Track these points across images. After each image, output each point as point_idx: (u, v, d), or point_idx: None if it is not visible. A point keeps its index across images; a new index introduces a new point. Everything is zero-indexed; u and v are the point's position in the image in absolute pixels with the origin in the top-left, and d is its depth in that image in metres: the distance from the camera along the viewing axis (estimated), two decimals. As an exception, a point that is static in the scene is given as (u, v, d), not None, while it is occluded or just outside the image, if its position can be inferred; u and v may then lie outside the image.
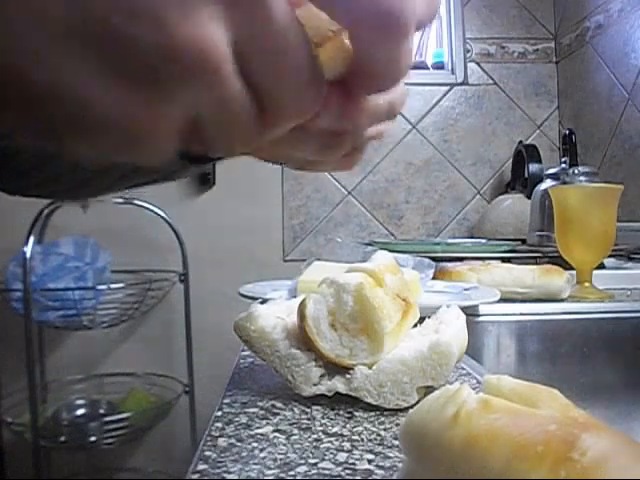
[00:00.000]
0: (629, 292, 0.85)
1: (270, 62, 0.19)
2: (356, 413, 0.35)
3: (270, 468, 0.27)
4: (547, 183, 1.35)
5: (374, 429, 0.32)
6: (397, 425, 0.32)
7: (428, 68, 1.93)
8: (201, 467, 0.27)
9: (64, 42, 0.17)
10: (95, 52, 0.17)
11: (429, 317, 0.40)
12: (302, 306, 0.36)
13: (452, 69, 1.87)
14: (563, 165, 1.35)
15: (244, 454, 0.28)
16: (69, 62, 0.17)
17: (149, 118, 0.18)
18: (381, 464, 0.27)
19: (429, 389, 0.36)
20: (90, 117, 0.18)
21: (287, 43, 0.19)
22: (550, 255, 1.04)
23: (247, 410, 0.35)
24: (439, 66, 1.91)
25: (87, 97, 0.18)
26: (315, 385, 0.36)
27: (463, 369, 0.44)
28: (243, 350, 0.48)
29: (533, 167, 1.56)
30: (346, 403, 0.36)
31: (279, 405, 0.36)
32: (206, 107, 0.19)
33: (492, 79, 1.87)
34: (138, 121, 0.18)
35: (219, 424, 0.33)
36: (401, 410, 0.35)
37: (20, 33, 0.16)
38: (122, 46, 0.17)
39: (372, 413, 0.34)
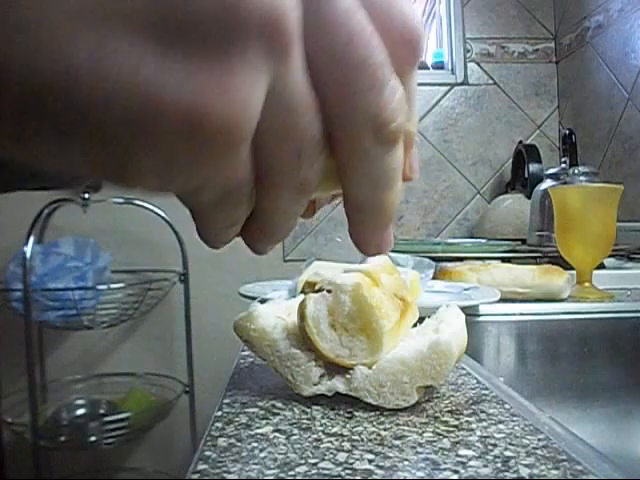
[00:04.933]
0: (629, 292, 0.85)
1: (284, 141, 0.18)
2: (356, 413, 0.34)
3: (270, 468, 0.27)
4: (547, 183, 1.35)
5: (374, 429, 0.32)
6: (397, 425, 0.32)
7: (428, 68, 1.93)
8: (201, 467, 0.27)
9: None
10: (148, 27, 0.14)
11: (429, 317, 0.40)
12: (302, 306, 0.36)
13: (452, 69, 1.87)
14: (563, 165, 1.35)
15: (244, 454, 0.28)
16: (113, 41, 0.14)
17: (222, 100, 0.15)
18: (381, 464, 0.27)
19: (429, 388, 0.36)
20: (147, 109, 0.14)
21: (302, 124, 0.17)
22: (550, 255, 1.04)
23: (247, 410, 0.35)
24: (439, 66, 1.91)
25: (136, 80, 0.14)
26: (315, 385, 0.36)
27: (463, 369, 0.44)
28: (243, 350, 0.48)
29: (533, 167, 1.56)
30: (346, 403, 0.36)
31: (279, 405, 0.36)
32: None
33: (492, 79, 1.87)
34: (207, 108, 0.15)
35: (219, 424, 0.33)
36: (401, 410, 0.35)
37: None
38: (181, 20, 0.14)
39: (372, 413, 0.34)
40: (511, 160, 1.77)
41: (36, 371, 1.40)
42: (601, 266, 0.89)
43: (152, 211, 1.50)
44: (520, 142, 1.72)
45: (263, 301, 0.41)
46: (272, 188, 0.19)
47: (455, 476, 0.26)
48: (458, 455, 0.28)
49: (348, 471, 0.26)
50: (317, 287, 0.37)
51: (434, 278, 0.78)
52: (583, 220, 0.80)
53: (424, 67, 1.92)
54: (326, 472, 0.26)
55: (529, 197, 1.43)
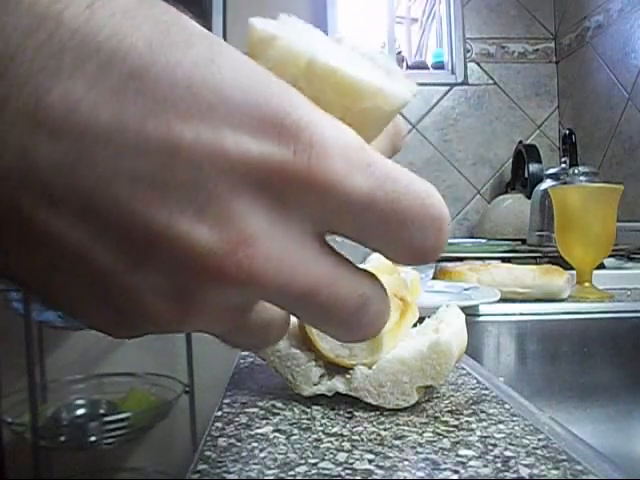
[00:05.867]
0: (629, 292, 0.85)
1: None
2: (356, 413, 0.34)
3: (270, 468, 0.27)
4: (547, 183, 1.35)
5: (374, 429, 0.32)
6: (397, 425, 0.32)
7: (428, 68, 1.93)
8: (201, 467, 0.27)
9: None
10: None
11: (429, 317, 0.40)
12: (302, 306, 0.36)
13: (452, 69, 1.87)
14: (563, 165, 1.35)
15: (244, 454, 0.28)
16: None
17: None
18: (381, 464, 0.27)
19: (429, 388, 0.36)
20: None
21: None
22: (550, 255, 1.04)
23: (247, 410, 0.35)
24: (439, 66, 1.91)
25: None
26: (315, 385, 0.36)
27: (463, 369, 0.44)
28: (243, 350, 0.48)
29: (533, 167, 1.56)
30: (346, 403, 0.36)
31: (279, 405, 0.36)
32: None
33: (492, 79, 1.87)
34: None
35: (219, 424, 0.33)
36: (401, 410, 0.35)
37: None
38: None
39: (372, 413, 0.34)
40: (511, 160, 1.77)
41: (36, 371, 1.40)
42: (601, 266, 0.89)
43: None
44: (520, 142, 1.72)
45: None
46: None
47: (455, 476, 0.26)
48: (458, 455, 0.28)
49: (348, 471, 0.26)
50: (317, 287, 0.37)
51: (434, 278, 0.78)
52: (583, 220, 0.80)
53: (424, 67, 1.92)
54: (326, 472, 0.26)
55: (529, 197, 1.43)
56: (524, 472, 0.26)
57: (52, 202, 0.15)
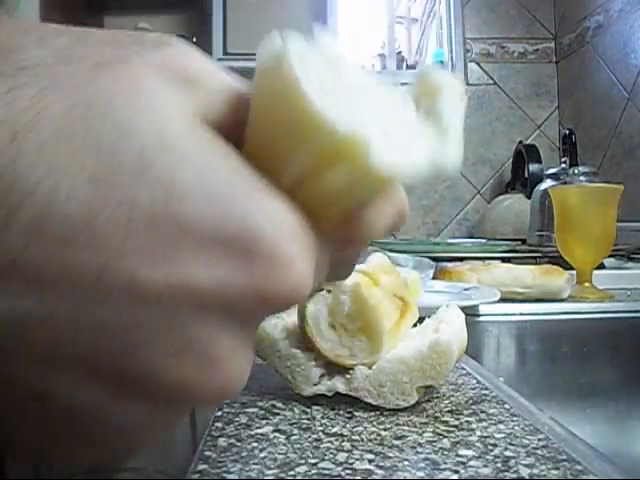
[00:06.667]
0: (629, 292, 0.85)
1: None
2: (356, 413, 0.34)
3: (270, 468, 0.27)
4: (547, 183, 1.35)
5: (374, 429, 0.32)
6: (397, 425, 0.32)
7: (428, 68, 1.93)
8: (201, 467, 0.27)
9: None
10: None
11: (429, 317, 0.40)
12: (302, 306, 0.36)
13: (452, 69, 1.87)
14: (563, 165, 1.35)
15: (244, 454, 0.28)
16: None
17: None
18: (381, 464, 0.27)
19: (429, 388, 0.36)
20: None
21: None
22: (550, 255, 1.04)
23: (247, 410, 0.35)
24: (439, 66, 1.91)
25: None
26: (315, 385, 0.36)
27: (463, 369, 0.44)
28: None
29: (533, 167, 1.56)
30: (346, 403, 0.36)
31: (279, 405, 0.36)
32: None
33: (492, 79, 1.87)
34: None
35: (219, 424, 0.33)
36: (401, 410, 0.35)
37: None
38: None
39: (372, 413, 0.34)
40: (511, 160, 1.77)
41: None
42: (601, 266, 0.89)
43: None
44: (520, 142, 1.72)
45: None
46: None
47: (455, 476, 0.26)
48: (458, 455, 0.28)
49: (348, 471, 0.26)
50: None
51: (434, 278, 0.78)
52: (583, 220, 0.80)
53: (424, 67, 1.92)
54: (326, 472, 0.26)
55: (529, 197, 1.43)
56: (524, 472, 0.26)
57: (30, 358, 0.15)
